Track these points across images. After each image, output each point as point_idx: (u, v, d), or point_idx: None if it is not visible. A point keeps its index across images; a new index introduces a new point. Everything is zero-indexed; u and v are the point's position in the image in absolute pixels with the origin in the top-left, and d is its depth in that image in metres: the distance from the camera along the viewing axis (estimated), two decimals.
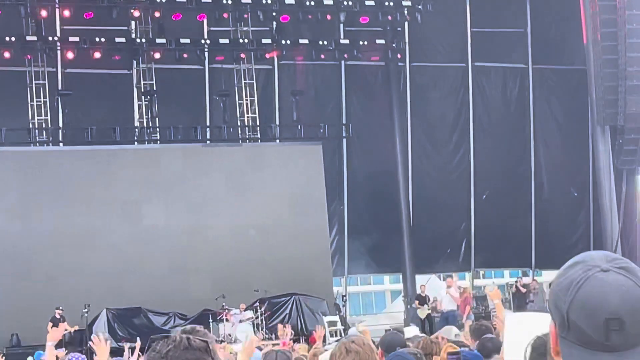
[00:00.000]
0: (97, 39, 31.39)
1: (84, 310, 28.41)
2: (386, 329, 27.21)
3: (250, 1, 32.42)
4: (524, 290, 33.43)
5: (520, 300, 32.20)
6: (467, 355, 7.74)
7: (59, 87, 32.57)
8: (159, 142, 33.33)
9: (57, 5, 31.19)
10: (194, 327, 3.27)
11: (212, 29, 33.71)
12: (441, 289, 32.90)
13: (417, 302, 32.01)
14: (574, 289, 2.25)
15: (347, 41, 34.12)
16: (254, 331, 28.27)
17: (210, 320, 29.05)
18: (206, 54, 33.45)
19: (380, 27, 34.56)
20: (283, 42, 33.46)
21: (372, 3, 33.42)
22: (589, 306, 2.22)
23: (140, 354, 19.72)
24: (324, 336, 27.89)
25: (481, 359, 8.08)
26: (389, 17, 34.01)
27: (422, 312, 31.42)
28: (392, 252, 35.26)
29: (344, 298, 33.79)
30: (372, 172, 35.53)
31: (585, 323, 2.22)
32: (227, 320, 28.54)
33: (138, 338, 23.73)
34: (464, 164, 36.94)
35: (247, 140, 34.22)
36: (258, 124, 34.51)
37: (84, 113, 32.26)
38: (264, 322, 29.22)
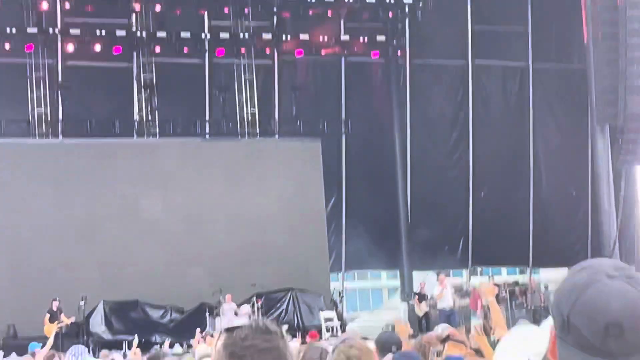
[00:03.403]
0: (97, 32, 31.42)
1: (81, 303, 28.42)
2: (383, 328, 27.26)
3: None
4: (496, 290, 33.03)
5: None
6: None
7: (59, 80, 32.58)
8: (158, 135, 33.32)
9: None
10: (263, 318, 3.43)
11: (212, 23, 33.69)
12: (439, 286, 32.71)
13: (416, 298, 31.99)
14: (578, 293, 2.28)
15: (347, 37, 34.11)
16: None
17: (207, 314, 29.07)
18: (206, 48, 33.42)
19: (381, 24, 34.55)
20: (283, 37, 33.46)
21: (373, 0, 33.44)
22: (591, 310, 2.24)
23: (137, 349, 19.80)
24: (320, 331, 28.02)
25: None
26: (390, 14, 34.03)
27: (420, 310, 31.40)
28: (390, 248, 35.24)
29: (341, 294, 33.80)
30: (370, 169, 35.52)
31: (585, 327, 2.24)
32: (223, 314, 28.54)
33: (136, 335, 23.82)
34: (463, 161, 36.93)
35: (246, 135, 34.20)
36: (257, 119, 34.49)
37: (84, 106, 32.27)
38: (260, 317, 29.20)
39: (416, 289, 33.03)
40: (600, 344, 2.23)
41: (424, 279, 33.89)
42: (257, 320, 3.33)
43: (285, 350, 3.17)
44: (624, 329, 2.22)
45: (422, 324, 29.96)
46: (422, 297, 31.77)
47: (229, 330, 3.24)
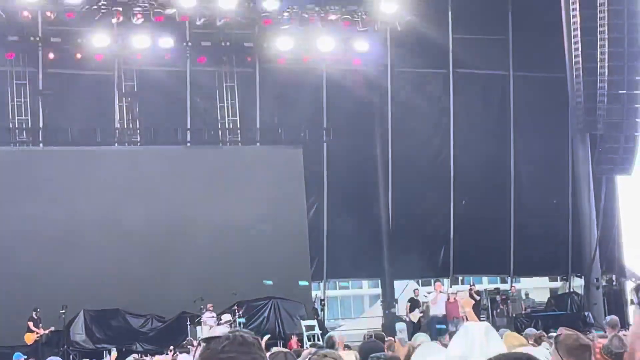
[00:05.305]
0: (78, 40, 31.33)
1: (61, 312, 28.30)
2: (365, 334, 27.22)
3: (233, 7, 32.33)
4: (477, 297, 32.68)
5: (474, 309, 31.40)
6: None
7: (40, 88, 32.48)
8: (139, 143, 33.27)
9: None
10: (241, 329, 3.35)
11: (194, 30, 33.65)
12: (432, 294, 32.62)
13: (408, 304, 31.96)
14: None
15: (328, 45, 34.07)
16: None
17: (188, 322, 29.00)
18: (188, 55, 33.40)
19: (362, 33, 34.53)
20: (265, 45, 33.45)
21: (355, 8, 33.47)
22: None
23: None
24: (301, 340, 27.97)
25: None
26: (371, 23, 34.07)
27: (414, 316, 31.35)
28: (371, 257, 35.25)
29: (322, 302, 33.77)
30: (352, 177, 35.51)
31: None
32: (204, 323, 28.46)
33: (114, 349, 23.73)
34: (444, 170, 36.97)
35: (228, 143, 34.18)
36: (239, 126, 34.48)
37: (65, 114, 32.18)
38: (242, 325, 29.14)
39: (412, 295, 32.87)
40: None
41: (404, 287, 33.91)
42: (235, 331, 3.30)
43: None
44: None
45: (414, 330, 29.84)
46: (415, 303, 31.66)
47: (207, 340, 3.21)
